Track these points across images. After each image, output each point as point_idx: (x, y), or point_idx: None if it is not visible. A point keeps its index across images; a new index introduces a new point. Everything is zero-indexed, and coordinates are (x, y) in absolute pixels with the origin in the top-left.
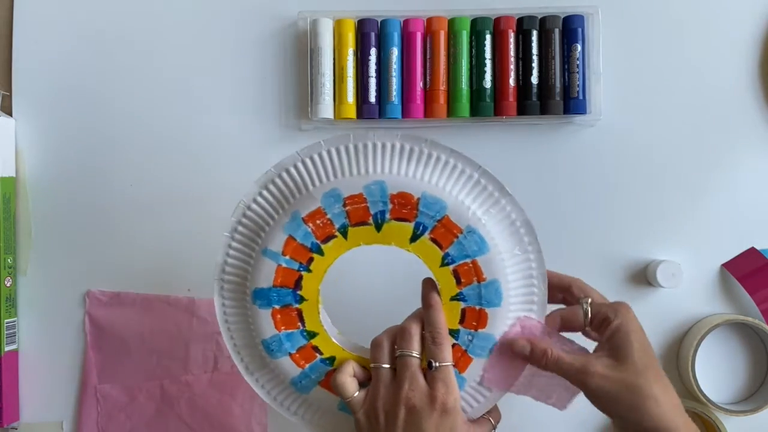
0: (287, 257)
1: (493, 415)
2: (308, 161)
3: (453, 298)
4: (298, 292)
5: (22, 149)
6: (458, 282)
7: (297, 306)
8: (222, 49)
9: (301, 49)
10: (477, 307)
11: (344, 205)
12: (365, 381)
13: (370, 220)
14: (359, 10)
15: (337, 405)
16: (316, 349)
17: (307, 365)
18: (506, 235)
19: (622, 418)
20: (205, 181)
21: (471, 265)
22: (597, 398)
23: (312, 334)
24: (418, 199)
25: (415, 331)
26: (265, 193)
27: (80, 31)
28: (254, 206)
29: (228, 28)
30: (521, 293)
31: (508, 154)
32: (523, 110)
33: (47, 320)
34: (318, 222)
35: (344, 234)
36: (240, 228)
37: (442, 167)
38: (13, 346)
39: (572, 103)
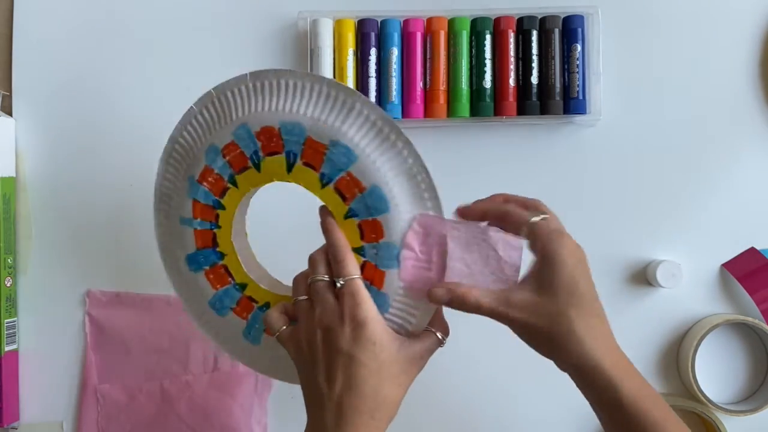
0: (198, 220)
1: (438, 327)
2: (189, 127)
3: (346, 216)
4: (217, 249)
5: (22, 149)
6: (344, 198)
7: (221, 262)
8: (222, 49)
9: (301, 49)
10: (370, 219)
11: (224, 156)
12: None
13: (249, 163)
14: (359, 10)
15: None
16: (251, 299)
17: (249, 316)
18: (371, 137)
19: (549, 355)
20: None
21: (348, 177)
22: (521, 333)
23: (243, 286)
24: (279, 129)
25: (320, 257)
26: (168, 167)
27: (80, 31)
28: (164, 182)
29: (228, 28)
30: (407, 191)
31: (508, 154)
32: (523, 110)
33: (47, 320)
34: (210, 180)
35: (234, 183)
36: (162, 206)
37: (293, 92)
38: (13, 346)
39: (572, 103)
